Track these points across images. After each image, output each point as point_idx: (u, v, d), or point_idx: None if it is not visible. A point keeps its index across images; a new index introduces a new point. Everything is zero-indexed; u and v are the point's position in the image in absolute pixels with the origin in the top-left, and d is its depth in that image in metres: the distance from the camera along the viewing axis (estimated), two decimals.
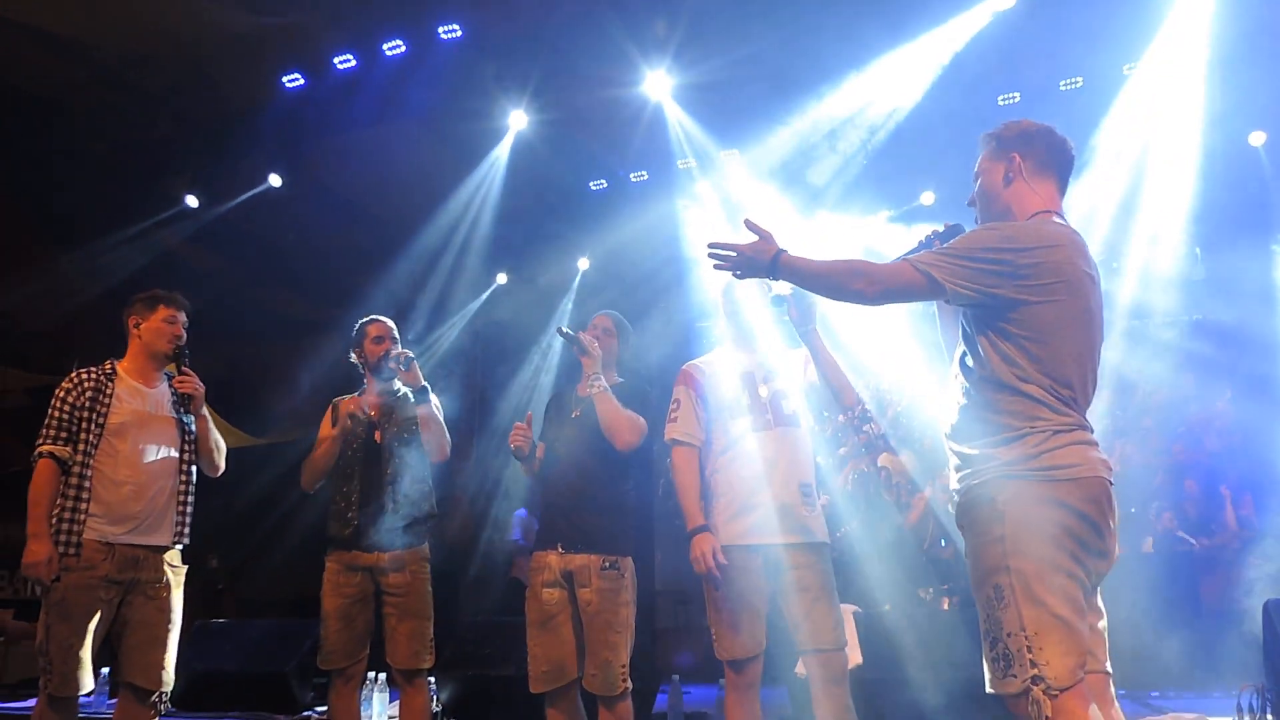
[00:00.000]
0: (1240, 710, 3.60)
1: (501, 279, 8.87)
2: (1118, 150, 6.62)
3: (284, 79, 7.03)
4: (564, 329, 3.48)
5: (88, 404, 3.35)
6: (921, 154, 7.15)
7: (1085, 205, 6.79)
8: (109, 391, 3.40)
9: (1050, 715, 1.88)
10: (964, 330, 2.18)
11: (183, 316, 3.58)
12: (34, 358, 8.42)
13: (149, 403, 3.49)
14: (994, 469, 2.04)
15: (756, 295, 3.32)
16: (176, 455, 3.48)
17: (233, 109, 6.98)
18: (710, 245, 2.44)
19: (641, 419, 3.38)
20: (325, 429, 3.78)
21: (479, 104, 7.05)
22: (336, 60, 6.95)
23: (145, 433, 3.43)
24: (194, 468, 3.56)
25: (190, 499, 3.51)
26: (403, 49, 6.84)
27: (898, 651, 3.81)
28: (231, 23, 6.33)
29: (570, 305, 8.73)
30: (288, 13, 6.47)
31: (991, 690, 2.00)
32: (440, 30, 6.70)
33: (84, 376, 3.41)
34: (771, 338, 3.34)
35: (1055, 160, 2.26)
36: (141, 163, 7.12)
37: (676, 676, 4.53)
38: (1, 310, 7.46)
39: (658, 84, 6.66)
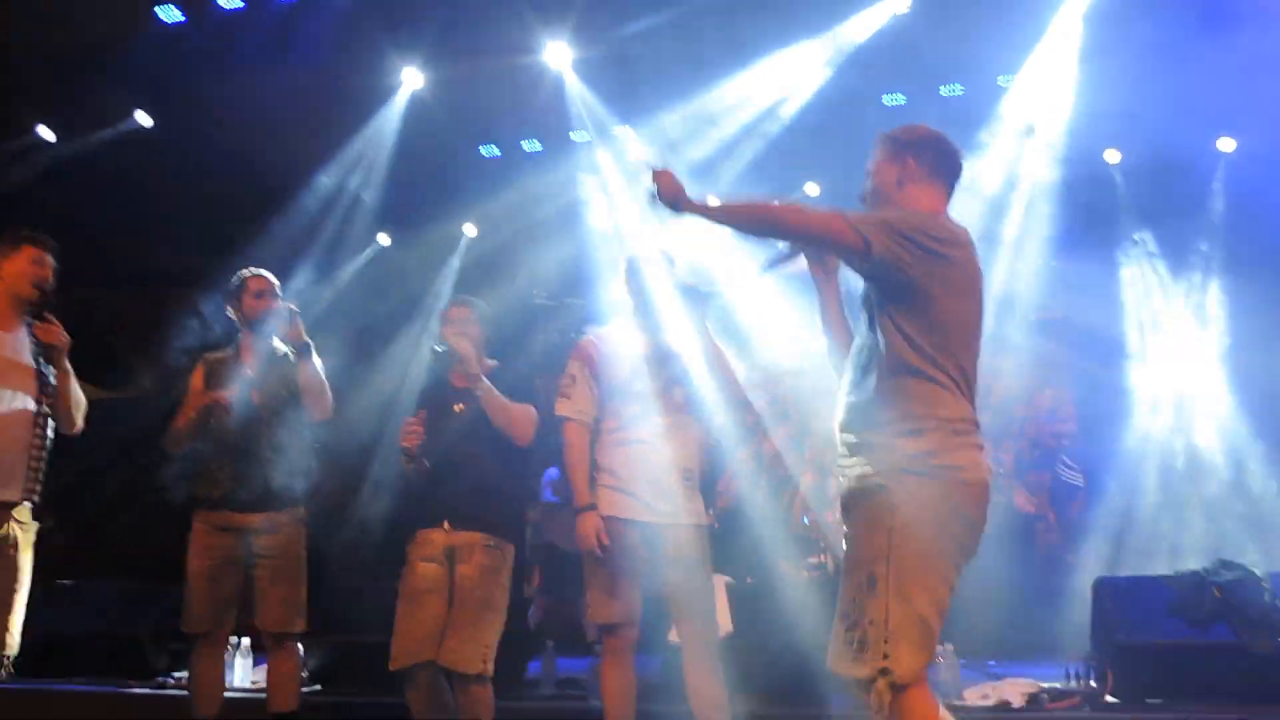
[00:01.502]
0: (1068, 676, 3.95)
1: (383, 239, 8.63)
2: (989, 157, 7.00)
3: (157, 10, 6.59)
4: (436, 348, 3.45)
5: None
6: (808, 146, 7.35)
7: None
8: None
9: (891, 708, 1.96)
10: (870, 314, 2.22)
11: (50, 259, 3.36)
12: None
13: (6, 348, 3.26)
14: (893, 460, 2.08)
15: (662, 270, 3.36)
16: (33, 407, 3.27)
17: (100, 38, 6.47)
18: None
19: (531, 408, 3.40)
20: (195, 385, 3.63)
21: (371, 59, 6.80)
22: None
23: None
24: (50, 422, 3.35)
25: (45, 454, 3.31)
26: None
27: (767, 620, 3.99)
28: None
29: (457, 268, 8.58)
30: None
31: (833, 668, 2.07)
32: None
33: None
34: (674, 317, 3.40)
35: (945, 167, 2.37)
36: None
37: (550, 643, 4.58)
38: None
39: (558, 53, 6.60)
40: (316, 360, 3.66)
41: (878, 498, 2.07)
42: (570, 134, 7.23)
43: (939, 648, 3.93)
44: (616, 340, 3.34)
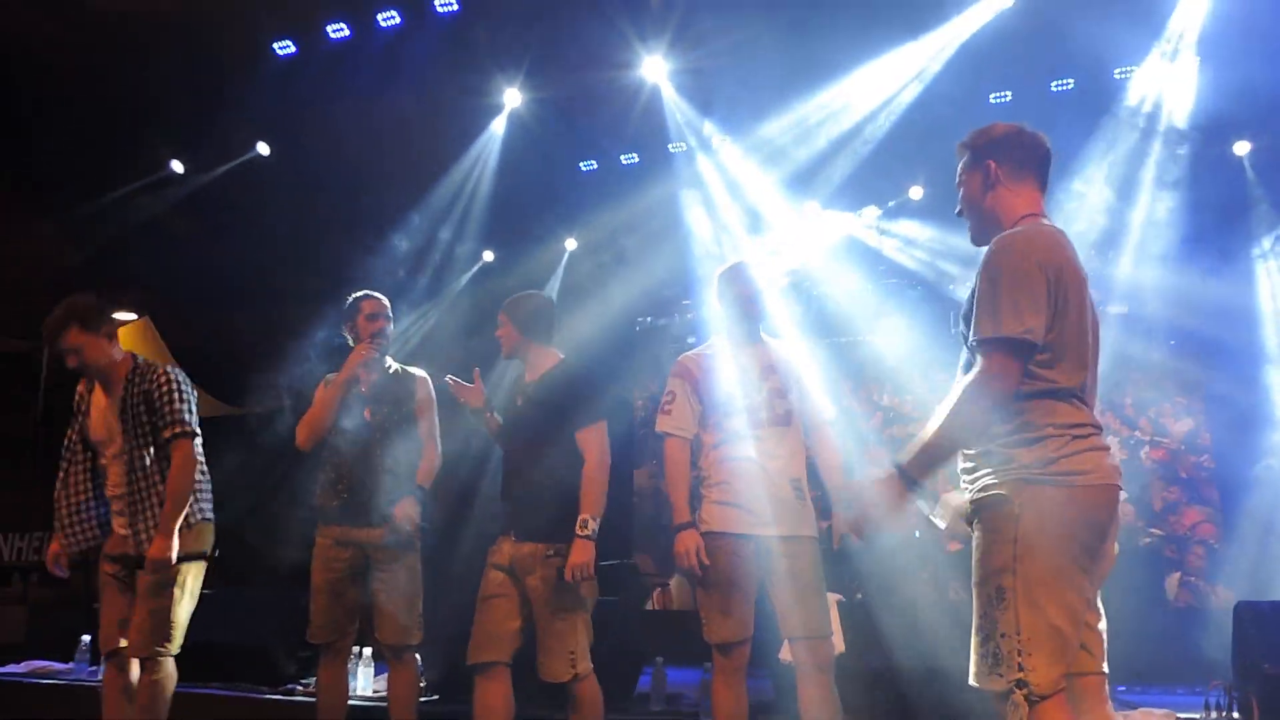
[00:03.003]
0: (1208, 707, 3.72)
1: (488, 256, 8.83)
2: (1105, 151, 6.70)
3: (275, 46, 6.94)
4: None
5: None
6: (912, 149, 7.19)
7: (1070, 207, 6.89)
8: None
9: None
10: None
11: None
12: (11, 323, 8.29)
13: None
14: (1013, 470, 2.06)
15: (761, 280, 3.35)
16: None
17: (222, 75, 6.86)
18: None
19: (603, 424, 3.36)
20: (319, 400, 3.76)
21: (473, 80, 6.99)
22: (330, 29, 6.87)
23: None
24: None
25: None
26: (397, 20, 6.76)
27: (881, 640, 3.89)
28: None
29: (558, 285, 8.72)
30: None
31: (974, 683, 2.05)
32: (436, 3, 6.65)
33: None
34: (772, 330, 3.37)
35: (1031, 159, 2.28)
36: (126, 126, 6.99)
37: (660, 658, 4.58)
38: None
39: (654, 67, 6.65)
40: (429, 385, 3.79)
41: (1001, 509, 2.05)
42: (669, 146, 7.26)
43: None
44: (715, 357, 3.33)
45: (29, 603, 7.40)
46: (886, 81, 6.66)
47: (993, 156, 2.26)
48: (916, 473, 2.14)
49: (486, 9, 6.55)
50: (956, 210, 2.36)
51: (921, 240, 7.82)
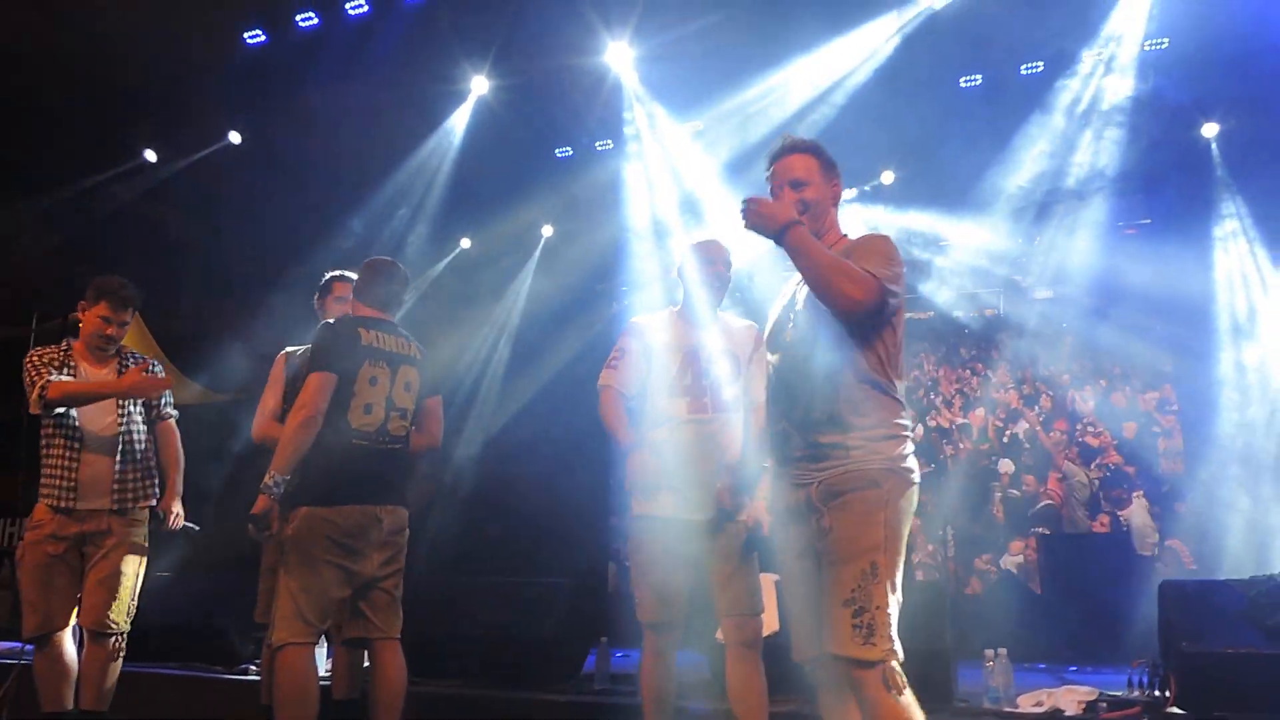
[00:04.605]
0: (1130, 685, 3.76)
1: (465, 244, 8.89)
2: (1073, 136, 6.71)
3: (246, 35, 6.99)
4: None
5: None
6: (881, 133, 7.18)
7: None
8: None
9: (897, 687, 2.11)
10: (842, 329, 2.24)
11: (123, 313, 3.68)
12: None
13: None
14: (878, 460, 2.20)
15: (700, 265, 3.28)
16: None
17: (194, 64, 6.91)
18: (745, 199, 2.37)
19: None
20: (275, 374, 3.81)
21: (441, 67, 7.02)
22: (299, 18, 6.91)
23: None
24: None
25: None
26: (365, 9, 6.78)
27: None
28: None
29: (533, 269, 8.78)
30: None
31: (839, 651, 2.13)
32: None
33: None
34: (721, 312, 3.33)
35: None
36: (99, 114, 7.06)
37: (604, 638, 4.64)
38: None
39: (619, 54, 6.66)
40: None
41: (869, 492, 2.18)
42: (624, 129, 7.30)
43: (990, 651, 3.85)
44: (663, 331, 3.28)
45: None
46: (851, 63, 6.65)
47: (838, 178, 2.45)
48: (794, 235, 2.27)
49: None
50: (799, 210, 2.34)
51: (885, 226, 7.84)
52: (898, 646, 2.13)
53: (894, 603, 2.16)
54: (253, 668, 4.79)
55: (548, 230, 8.79)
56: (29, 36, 6.69)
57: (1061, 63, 6.74)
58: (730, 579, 3.15)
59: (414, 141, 7.37)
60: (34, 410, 3.50)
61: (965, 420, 8.04)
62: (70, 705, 3.52)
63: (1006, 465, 7.68)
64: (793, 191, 2.39)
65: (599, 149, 7.88)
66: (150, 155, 7.57)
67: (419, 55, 6.88)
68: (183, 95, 7.16)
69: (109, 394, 3.56)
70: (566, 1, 6.35)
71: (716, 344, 3.27)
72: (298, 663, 2.97)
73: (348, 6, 6.80)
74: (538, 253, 8.83)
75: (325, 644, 4.79)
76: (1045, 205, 7.16)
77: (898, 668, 2.12)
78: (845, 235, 2.44)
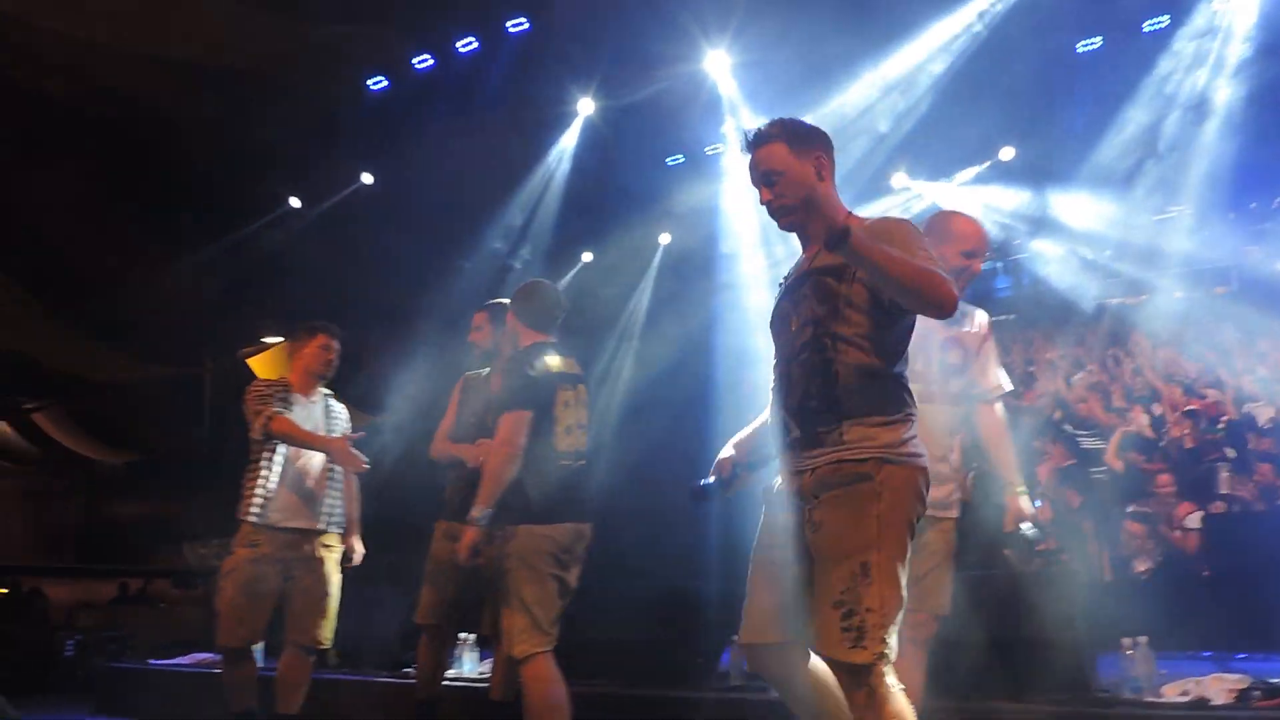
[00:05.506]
0: None
1: (587, 257, 9.18)
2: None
3: (368, 82, 7.52)
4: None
5: None
6: (998, 107, 6.98)
7: None
8: None
9: (886, 690, 2.01)
10: (851, 309, 2.15)
11: (335, 344, 3.97)
12: (168, 352, 9.26)
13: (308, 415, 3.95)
14: (873, 449, 2.08)
15: None
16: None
17: (323, 114, 7.48)
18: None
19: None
20: (454, 399, 3.98)
21: (551, 91, 7.32)
22: (415, 61, 7.39)
23: None
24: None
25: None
26: (475, 45, 7.20)
27: None
28: (315, 34, 6.82)
29: (654, 277, 8.99)
30: (367, 21, 6.91)
31: (828, 654, 2.05)
32: (509, 25, 7.03)
33: None
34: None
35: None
36: (246, 169, 7.72)
37: (736, 636, 4.72)
38: (137, 312, 8.26)
39: (717, 61, 6.76)
40: None
41: (863, 486, 2.05)
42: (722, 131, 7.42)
43: (1128, 640, 3.71)
44: None
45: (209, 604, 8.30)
46: (961, 33, 6.53)
47: (821, 150, 2.21)
48: (856, 240, 2.06)
49: (554, 23, 6.87)
50: (766, 204, 2.24)
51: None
52: (891, 649, 2.02)
53: (895, 600, 2.03)
54: (410, 670, 5.14)
55: (665, 238, 8.97)
56: (173, 105, 7.39)
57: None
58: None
59: (529, 164, 7.71)
60: (255, 435, 3.80)
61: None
62: (255, 709, 3.88)
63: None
64: (768, 189, 2.22)
65: (709, 153, 8.01)
66: (294, 202, 8.21)
67: (530, 83, 7.21)
68: (317, 144, 7.75)
69: (316, 447, 3.85)
70: (664, 15, 6.52)
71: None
72: (547, 670, 3.13)
73: (459, 45, 7.24)
74: (657, 259, 9.03)
75: (473, 648, 5.09)
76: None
77: (889, 671, 2.02)
78: (851, 213, 2.24)
